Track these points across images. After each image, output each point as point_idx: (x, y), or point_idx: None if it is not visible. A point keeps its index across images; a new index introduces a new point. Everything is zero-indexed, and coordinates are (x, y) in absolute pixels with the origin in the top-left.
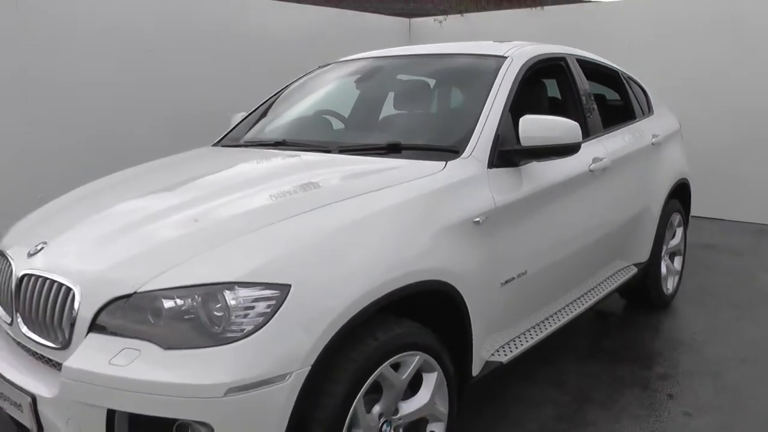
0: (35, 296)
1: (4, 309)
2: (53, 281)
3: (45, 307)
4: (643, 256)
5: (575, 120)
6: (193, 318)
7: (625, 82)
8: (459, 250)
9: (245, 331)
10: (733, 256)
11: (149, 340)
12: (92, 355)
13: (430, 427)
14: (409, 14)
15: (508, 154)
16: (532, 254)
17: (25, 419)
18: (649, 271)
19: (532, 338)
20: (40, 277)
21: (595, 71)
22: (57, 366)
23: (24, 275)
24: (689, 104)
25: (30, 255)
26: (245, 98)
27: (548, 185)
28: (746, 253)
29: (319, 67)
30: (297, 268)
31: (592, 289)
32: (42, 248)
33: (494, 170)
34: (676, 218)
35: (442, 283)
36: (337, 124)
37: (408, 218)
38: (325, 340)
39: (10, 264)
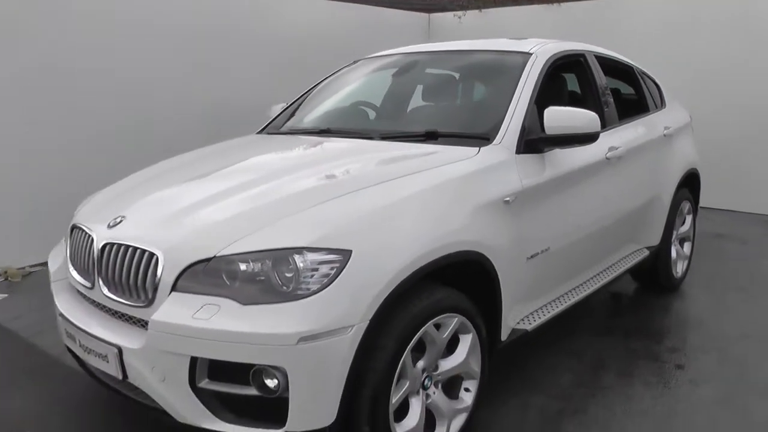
0: (118, 262)
1: (83, 275)
2: (136, 248)
3: (128, 272)
4: (655, 240)
5: (593, 111)
6: (266, 279)
7: (639, 77)
8: (492, 225)
9: (312, 290)
10: (740, 244)
11: (227, 297)
12: (176, 311)
13: (465, 384)
14: (426, 9)
15: (533, 141)
16: (554, 233)
17: (111, 368)
18: (659, 255)
19: (553, 309)
20: (123, 245)
21: (612, 66)
22: (139, 323)
23: (106, 244)
24: (700, 98)
25: (110, 227)
26: (270, 91)
27: (569, 171)
28: (753, 241)
29: (354, 62)
30: (357, 236)
31: (608, 268)
32: (121, 221)
33: (521, 156)
34: (686, 206)
35: (478, 254)
36: (373, 114)
37: (448, 196)
38: (380, 299)
39: (89, 236)
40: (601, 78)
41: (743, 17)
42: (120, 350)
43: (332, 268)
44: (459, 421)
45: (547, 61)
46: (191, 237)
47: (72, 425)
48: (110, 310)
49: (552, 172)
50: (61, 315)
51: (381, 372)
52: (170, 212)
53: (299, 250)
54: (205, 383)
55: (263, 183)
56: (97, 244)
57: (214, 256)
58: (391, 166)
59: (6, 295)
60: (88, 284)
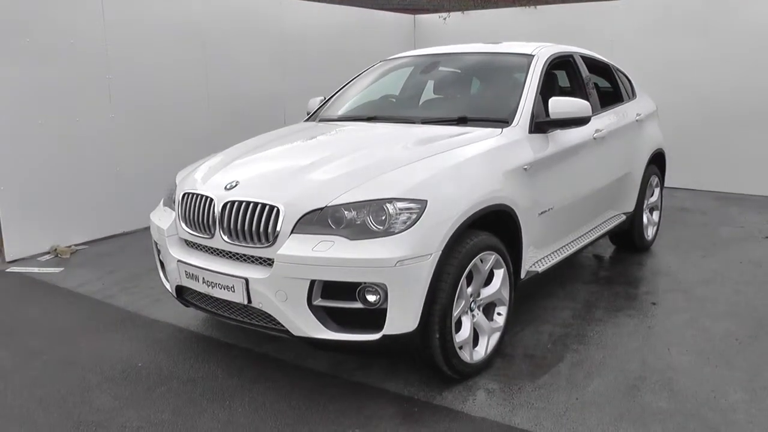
0: (241, 216)
1: (200, 230)
2: (257, 204)
3: (251, 222)
4: (630, 207)
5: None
6: (366, 221)
7: (614, 72)
8: (516, 187)
9: (402, 228)
10: (700, 215)
11: (338, 235)
12: (297, 246)
13: (497, 309)
14: (404, 9)
15: (541, 124)
16: (556, 195)
17: (237, 296)
18: (634, 220)
19: (557, 257)
20: (244, 202)
21: (593, 64)
22: (258, 260)
23: (227, 202)
24: (663, 90)
25: (227, 189)
26: (273, 85)
27: (567, 147)
28: (710, 213)
29: (381, 62)
30: (430, 190)
31: (596, 227)
32: (236, 184)
33: (532, 135)
34: (654, 180)
35: (508, 207)
36: (407, 104)
37: (486, 163)
38: (448, 236)
39: (207, 197)
40: (585, 74)
41: (701, 22)
42: (247, 281)
43: (414, 213)
44: (494, 338)
45: (546, 60)
46: (304, 193)
47: (169, 358)
48: (228, 253)
49: (554, 148)
50: (180, 261)
51: (447, 291)
52: (278, 176)
53: (390, 200)
54: (318, 301)
55: (347, 154)
56: (218, 204)
57: (326, 206)
58: (442, 141)
59: (62, 269)
60: (207, 236)
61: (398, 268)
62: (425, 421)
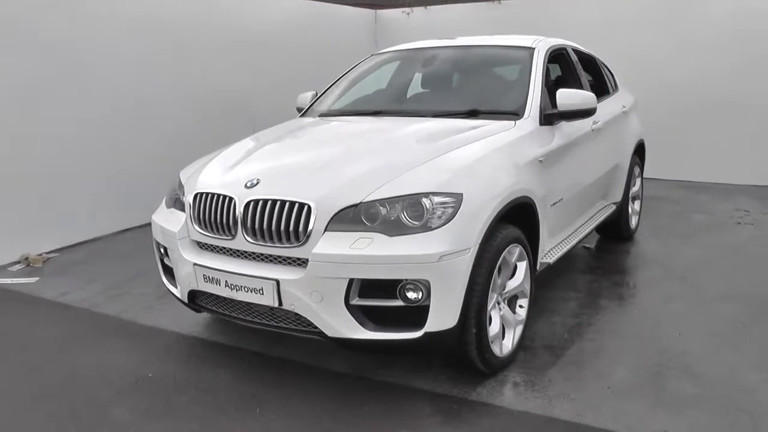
0: (267, 215)
1: (219, 231)
2: (285, 201)
3: (279, 221)
4: (619, 197)
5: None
6: (403, 216)
7: (600, 65)
8: (534, 178)
9: (441, 222)
10: (673, 204)
11: (376, 232)
12: (333, 245)
13: (519, 302)
14: (363, 4)
15: (549, 116)
16: (564, 186)
17: (266, 299)
18: (621, 210)
19: (563, 247)
20: (270, 200)
21: (582, 57)
22: (287, 261)
23: (250, 201)
24: (627, 82)
25: (248, 187)
26: (238, 86)
27: (572, 138)
28: (682, 201)
29: (372, 55)
30: (464, 183)
31: (592, 217)
32: (258, 182)
33: (542, 127)
34: (636, 170)
35: (530, 198)
36: (411, 99)
37: (508, 155)
38: (484, 229)
39: (227, 197)
40: (578, 66)
41: (667, 10)
42: (278, 282)
43: (450, 207)
44: (519, 331)
45: (545, 53)
46: (336, 189)
47: (181, 366)
48: (252, 254)
49: (561, 140)
50: (197, 265)
51: (483, 285)
52: (302, 172)
53: (427, 195)
54: (356, 301)
55: (369, 149)
56: (240, 203)
57: (361, 202)
58: (461, 134)
59: (37, 278)
60: (227, 237)
61: (441, 264)
62: (467, 419)
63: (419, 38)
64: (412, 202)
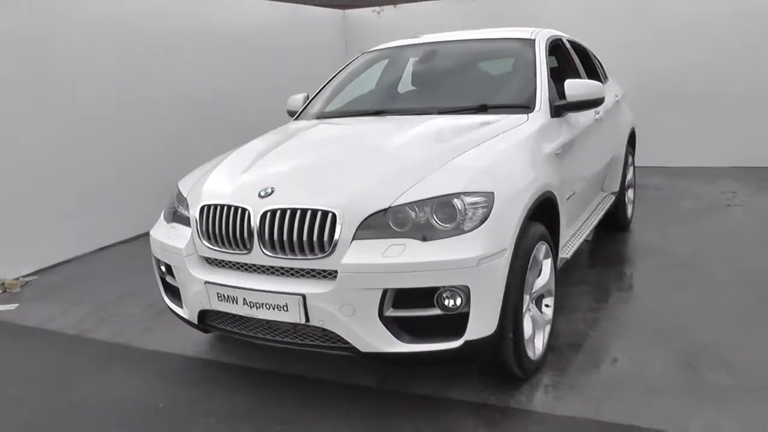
0: (286, 225)
1: (231, 246)
2: (306, 210)
3: (301, 231)
4: (617, 187)
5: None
6: (435, 219)
7: (591, 56)
8: (553, 172)
9: (475, 224)
10: (657, 191)
11: (408, 237)
12: (364, 253)
13: (545, 301)
14: (330, 4)
15: (558, 108)
16: (576, 179)
17: (291, 316)
18: (619, 200)
19: (576, 242)
20: (289, 209)
21: (576, 48)
22: (310, 273)
23: (266, 212)
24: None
25: (262, 197)
26: (215, 89)
27: (579, 130)
28: (665, 188)
29: (362, 54)
30: (494, 181)
31: (596, 208)
32: (273, 190)
33: (553, 119)
34: (630, 158)
35: (551, 193)
36: (412, 95)
37: (529, 151)
38: (517, 229)
39: (239, 209)
40: (574, 57)
41: (633, 7)
42: (304, 297)
43: (483, 207)
44: (547, 331)
45: (546, 44)
46: (361, 194)
47: (191, 392)
48: (270, 268)
49: (571, 131)
50: (209, 283)
51: (517, 287)
52: (318, 178)
53: (458, 195)
54: (390, 312)
55: (383, 151)
56: (255, 214)
57: (389, 207)
58: (478, 131)
59: (17, 304)
60: (242, 251)
61: (479, 268)
62: (513, 428)
63: (391, 37)
64: (443, 203)
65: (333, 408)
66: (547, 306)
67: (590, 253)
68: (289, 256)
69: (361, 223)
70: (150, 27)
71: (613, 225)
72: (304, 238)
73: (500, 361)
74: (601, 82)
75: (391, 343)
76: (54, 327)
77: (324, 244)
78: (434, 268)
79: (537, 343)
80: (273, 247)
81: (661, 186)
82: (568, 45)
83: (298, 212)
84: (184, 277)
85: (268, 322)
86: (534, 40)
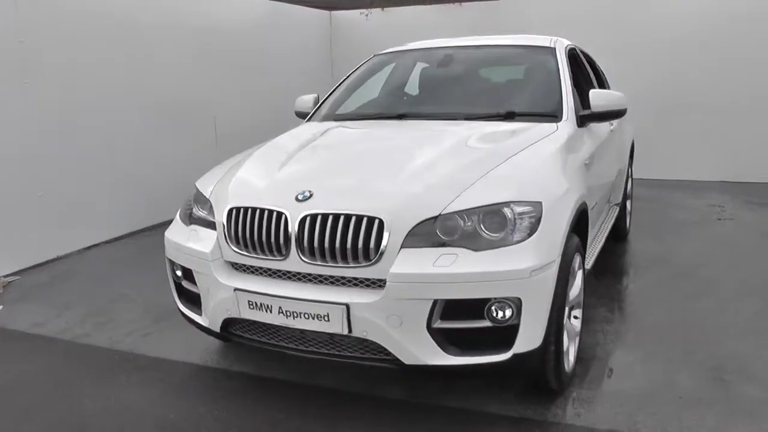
0: (328, 231)
1: (266, 251)
2: (350, 215)
3: (344, 237)
4: (620, 197)
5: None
6: (486, 229)
7: (597, 65)
8: (584, 183)
9: (526, 234)
10: (649, 202)
11: (458, 246)
12: (414, 262)
13: (574, 312)
14: (318, 5)
15: (583, 117)
16: (596, 190)
17: (332, 326)
18: (622, 210)
19: (595, 252)
20: (330, 215)
21: (585, 57)
22: (350, 282)
23: (306, 216)
24: None
25: (300, 200)
26: (196, 90)
27: (600, 141)
28: (657, 199)
29: (375, 56)
30: (541, 191)
31: (605, 219)
32: (311, 194)
33: (578, 129)
34: (630, 170)
35: (585, 204)
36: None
37: (564, 161)
38: (564, 239)
39: (274, 212)
40: (587, 66)
41: (611, 17)
42: (347, 307)
43: (531, 216)
44: (576, 342)
45: (565, 52)
46: (410, 201)
47: (206, 404)
48: (308, 276)
49: (593, 142)
50: (240, 290)
51: (561, 299)
52: (360, 183)
53: (507, 204)
54: (438, 323)
55: (421, 156)
56: (293, 219)
57: (440, 214)
58: (514, 139)
59: (1, 306)
60: (278, 257)
61: (531, 279)
62: None
63: (378, 40)
64: (493, 212)
65: (364, 421)
66: (576, 318)
67: (595, 264)
68: (330, 264)
69: (410, 231)
70: (122, 22)
71: (614, 235)
72: (348, 245)
73: (541, 373)
74: (607, 88)
75: (438, 356)
76: (46, 332)
77: (369, 252)
78: (486, 279)
79: (570, 356)
80: (312, 254)
81: (652, 198)
82: (581, 54)
83: (342, 218)
84: (208, 283)
85: (302, 332)
86: (555, 48)
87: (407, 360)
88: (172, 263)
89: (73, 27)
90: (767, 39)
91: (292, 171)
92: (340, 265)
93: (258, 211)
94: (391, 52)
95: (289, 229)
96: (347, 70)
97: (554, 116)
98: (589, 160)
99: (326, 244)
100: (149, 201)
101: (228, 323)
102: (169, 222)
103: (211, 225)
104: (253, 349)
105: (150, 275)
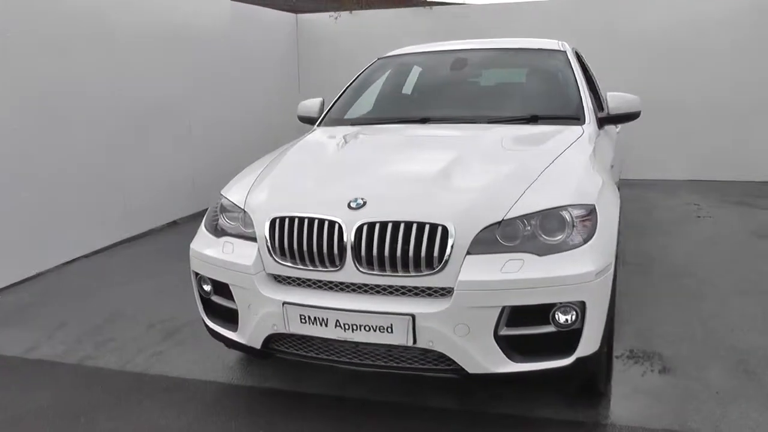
0: (389, 240)
1: (317, 263)
2: (411, 223)
3: (406, 245)
4: None
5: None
6: (540, 232)
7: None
8: (614, 184)
9: (585, 237)
10: (628, 202)
11: (523, 251)
12: (481, 269)
13: None
14: (285, 8)
15: (601, 120)
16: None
17: (396, 338)
18: None
19: None
20: (390, 222)
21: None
22: (410, 292)
23: (363, 225)
24: None
25: (353, 208)
26: (165, 93)
27: (614, 143)
28: (634, 199)
29: (378, 59)
30: (592, 194)
31: None
32: (365, 202)
33: (599, 131)
34: None
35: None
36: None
37: (598, 163)
38: (616, 241)
39: (325, 221)
40: (589, 69)
41: (570, 24)
42: (413, 317)
43: (588, 219)
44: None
45: (574, 54)
46: (472, 206)
47: (246, 427)
48: (364, 287)
49: (611, 144)
50: (289, 303)
51: (612, 301)
52: (412, 188)
53: (565, 208)
54: (504, 331)
55: (467, 159)
56: (348, 228)
57: (502, 220)
58: (549, 142)
59: None
60: (331, 268)
61: (596, 282)
62: None
63: (347, 44)
64: (552, 216)
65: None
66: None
67: None
68: (389, 273)
69: (475, 237)
70: (90, 24)
71: None
72: (410, 253)
73: (594, 376)
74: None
75: (503, 363)
76: (44, 356)
77: (433, 260)
78: (554, 284)
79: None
80: (370, 264)
81: (628, 197)
82: (581, 57)
83: (402, 225)
84: (249, 298)
85: (356, 344)
86: (565, 51)
87: (472, 369)
88: (199, 277)
89: (32, 28)
90: (731, 44)
91: (335, 178)
92: (401, 274)
93: (306, 221)
94: (398, 55)
95: (345, 238)
96: (316, 73)
97: (576, 119)
98: (613, 163)
99: (386, 253)
100: (126, 212)
101: (269, 339)
102: (149, 233)
103: (248, 236)
104: (279, 364)
105: (142, 289)
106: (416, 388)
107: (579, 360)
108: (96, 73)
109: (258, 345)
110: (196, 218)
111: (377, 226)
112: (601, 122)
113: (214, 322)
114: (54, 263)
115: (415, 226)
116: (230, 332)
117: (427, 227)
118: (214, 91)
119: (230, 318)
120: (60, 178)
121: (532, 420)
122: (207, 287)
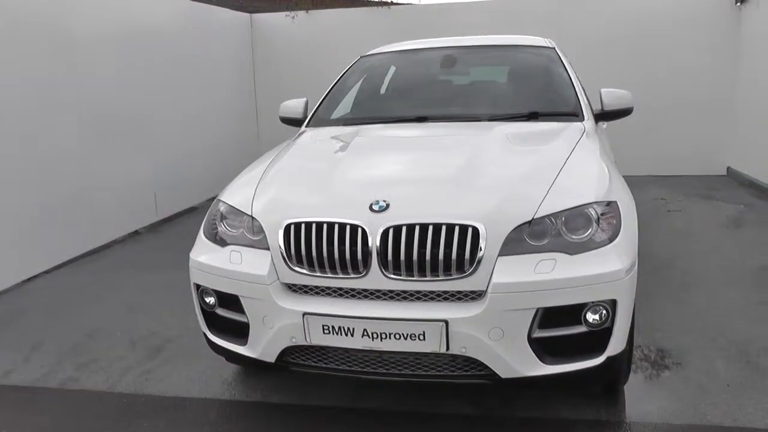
0: (417, 243)
1: (339, 269)
2: (439, 225)
3: (435, 248)
4: None
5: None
6: (576, 231)
7: None
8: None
9: (611, 234)
10: None
11: (554, 251)
12: (514, 270)
13: None
14: (238, 8)
15: (597, 116)
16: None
17: (428, 345)
18: None
19: None
20: (417, 225)
21: None
22: (440, 296)
23: (389, 228)
24: None
25: (376, 211)
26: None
27: (608, 139)
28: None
29: (361, 57)
30: (611, 190)
31: None
32: (388, 204)
33: (596, 127)
34: None
35: None
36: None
37: (606, 160)
38: (637, 236)
39: (347, 225)
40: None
41: (562, 12)
42: (446, 323)
43: (612, 217)
44: None
45: (561, 51)
46: (501, 206)
47: None
48: (391, 293)
49: (607, 140)
50: (309, 314)
51: (633, 298)
52: (435, 189)
53: (590, 206)
54: (537, 333)
55: (484, 158)
56: (373, 232)
57: (533, 219)
58: (559, 139)
59: None
60: (355, 275)
61: (626, 280)
62: None
63: (303, 43)
64: (579, 214)
65: None
66: None
67: None
68: (417, 278)
69: (506, 237)
70: (45, 28)
71: None
72: (440, 256)
73: (616, 374)
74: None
75: (536, 366)
76: (20, 380)
77: (464, 263)
78: (587, 283)
79: None
80: (397, 269)
81: None
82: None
83: (430, 228)
84: (263, 309)
85: (380, 354)
86: (554, 48)
87: (504, 373)
88: (201, 290)
89: None
90: (692, 42)
91: (349, 180)
92: (429, 278)
93: (325, 226)
94: (382, 53)
95: (369, 243)
96: (273, 74)
97: (575, 115)
98: (615, 160)
99: (414, 257)
100: (90, 222)
101: (284, 352)
102: (116, 242)
103: (255, 244)
104: (277, 377)
105: (114, 304)
106: (428, 396)
107: (609, 359)
108: (53, 79)
109: (272, 359)
110: (156, 228)
111: (404, 230)
112: (597, 118)
113: (219, 337)
114: (13, 281)
115: (444, 228)
116: (238, 346)
117: (456, 229)
118: (173, 94)
119: (238, 332)
120: (22, 192)
121: (552, 421)
122: (210, 300)
